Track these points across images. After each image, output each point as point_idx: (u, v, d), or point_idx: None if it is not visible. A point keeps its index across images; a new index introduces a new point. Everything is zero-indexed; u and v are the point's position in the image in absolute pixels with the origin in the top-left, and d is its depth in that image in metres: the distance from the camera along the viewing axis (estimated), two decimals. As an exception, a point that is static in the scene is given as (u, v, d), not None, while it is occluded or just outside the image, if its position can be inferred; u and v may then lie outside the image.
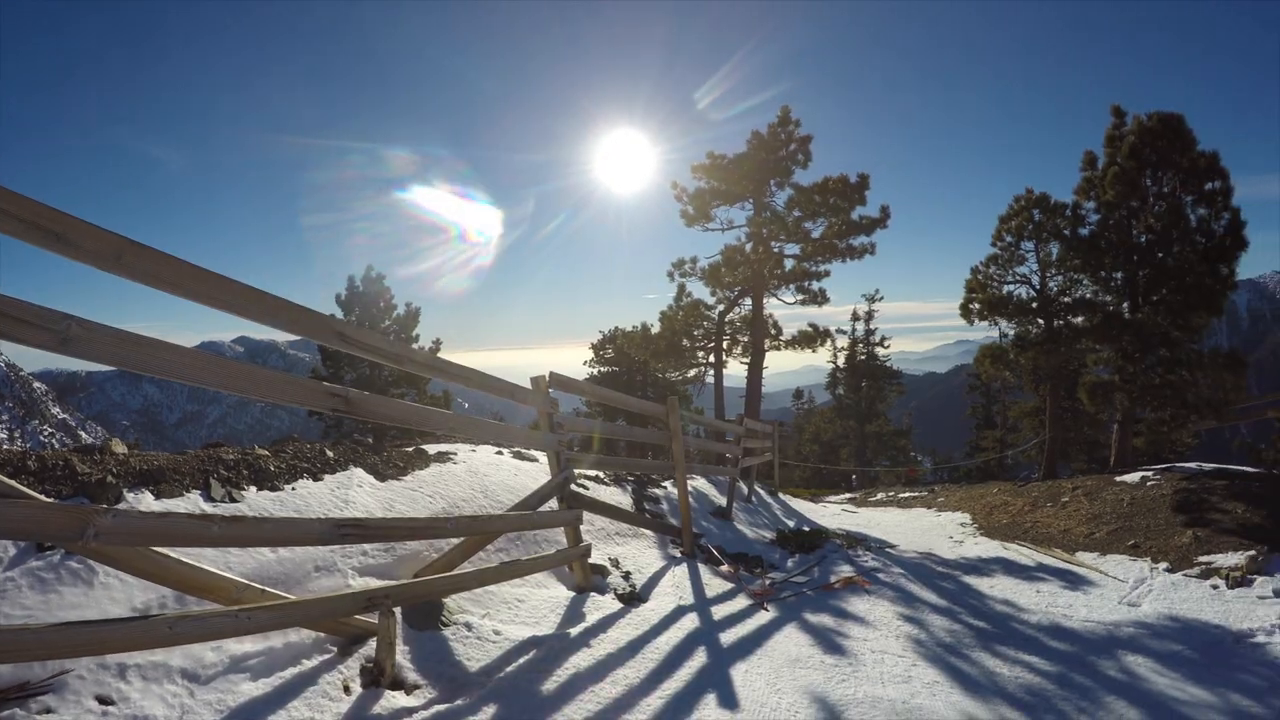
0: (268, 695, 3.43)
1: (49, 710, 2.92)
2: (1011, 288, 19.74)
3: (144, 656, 3.25)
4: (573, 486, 6.33)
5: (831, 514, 15.68)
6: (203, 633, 2.97)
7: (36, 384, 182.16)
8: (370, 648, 3.91)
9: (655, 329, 27.73)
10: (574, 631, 4.91)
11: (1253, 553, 8.46)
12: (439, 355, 8.70)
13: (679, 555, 7.82)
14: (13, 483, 2.78)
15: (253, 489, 4.80)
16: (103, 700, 3.05)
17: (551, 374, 5.96)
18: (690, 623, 5.70)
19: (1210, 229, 16.29)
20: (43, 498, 2.93)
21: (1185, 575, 8.33)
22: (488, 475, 6.99)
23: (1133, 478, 13.40)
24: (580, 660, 4.48)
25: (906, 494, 20.30)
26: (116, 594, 3.49)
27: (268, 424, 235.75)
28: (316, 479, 5.35)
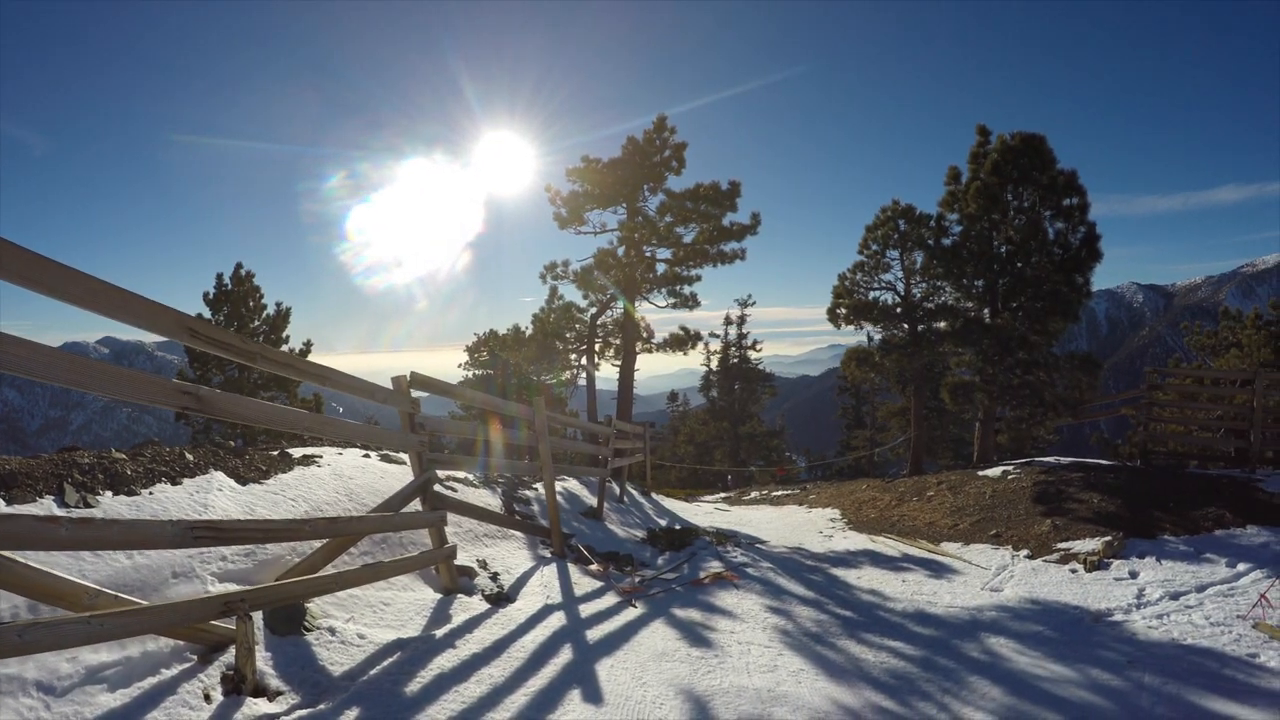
0: (126, 706, 3.39)
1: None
2: (877, 294, 20.56)
3: (-3, 669, 3.18)
4: (440, 488, 6.37)
5: (704, 513, 15.94)
6: (54, 640, 2.94)
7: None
8: (232, 655, 3.89)
9: (529, 331, 27.78)
10: (440, 633, 4.98)
11: (1109, 538, 9.04)
12: (307, 357, 8.57)
13: (549, 555, 7.93)
14: None
15: (109, 494, 4.68)
16: (-47, 715, 2.98)
17: (413, 374, 5.99)
18: (557, 621, 5.82)
19: (1067, 241, 17.44)
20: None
21: (1045, 561, 8.83)
22: (353, 478, 6.91)
23: (994, 472, 14.12)
24: (445, 661, 4.54)
25: (780, 492, 20.78)
26: (-33, 604, 3.40)
27: (134, 430, 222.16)
28: (175, 483, 5.24)
